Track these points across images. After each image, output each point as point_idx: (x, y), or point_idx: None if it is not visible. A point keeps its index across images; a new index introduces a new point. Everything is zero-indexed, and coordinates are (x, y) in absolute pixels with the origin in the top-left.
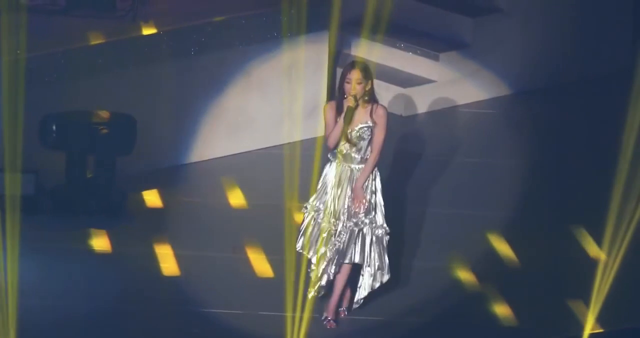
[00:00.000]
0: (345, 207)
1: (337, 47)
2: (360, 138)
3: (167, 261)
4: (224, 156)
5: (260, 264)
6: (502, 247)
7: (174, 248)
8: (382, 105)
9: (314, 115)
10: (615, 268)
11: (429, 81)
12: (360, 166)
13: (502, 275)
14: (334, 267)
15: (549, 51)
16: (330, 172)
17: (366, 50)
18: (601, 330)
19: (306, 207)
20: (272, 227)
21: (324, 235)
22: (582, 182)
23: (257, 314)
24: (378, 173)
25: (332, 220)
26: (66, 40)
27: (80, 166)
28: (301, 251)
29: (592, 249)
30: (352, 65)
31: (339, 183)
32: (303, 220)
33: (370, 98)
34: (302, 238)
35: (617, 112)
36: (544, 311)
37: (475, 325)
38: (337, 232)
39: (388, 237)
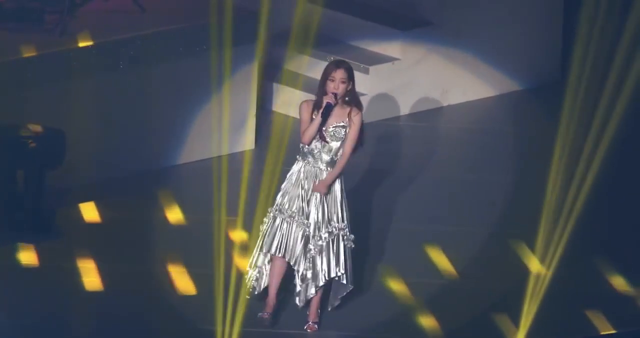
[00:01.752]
0: (319, 218)
1: (265, 60)
2: (334, 137)
3: (92, 276)
4: (154, 169)
5: (184, 279)
6: (440, 260)
7: (102, 262)
8: (358, 106)
9: (242, 128)
10: (547, 282)
11: (358, 94)
12: (326, 169)
13: (438, 288)
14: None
15: (480, 64)
16: (297, 171)
17: (295, 63)
18: None
19: (273, 212)
20: (202, 241)
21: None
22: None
23: (189, 328)
24: (342, 183)
25: (304, 220)
26: None
27: (9, 180)
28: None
29: (532, 263)
30: (338, 64)
31: (309, 188)
32: (267, 223)
33: (351, 100)
34: (266, 239)
35: (548, 123)
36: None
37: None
38: (312, 239)
39: (353, 245)
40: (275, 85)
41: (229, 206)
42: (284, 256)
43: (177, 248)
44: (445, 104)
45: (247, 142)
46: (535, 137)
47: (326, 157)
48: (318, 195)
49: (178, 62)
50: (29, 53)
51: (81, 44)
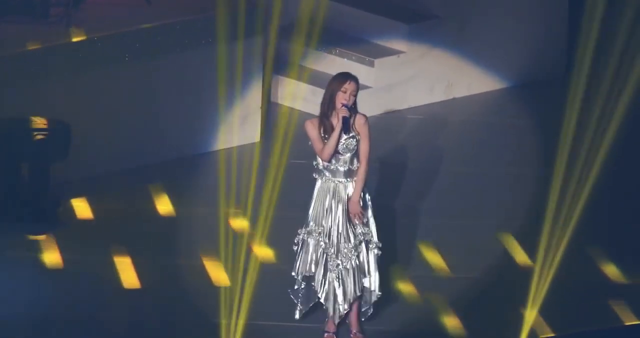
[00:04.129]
0: (342, 230)
1: (272, 53)
2: (347, 149)
3: (103, 268)
4: (160, 162)
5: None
6: (433, 256)
7: (111, 256)
8: (362, 114)
9: (248, 121)
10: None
11: (364, 87)
12: (345, 180)
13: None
14: (350, 290)
15: (484, 57)
16: (318, 190)
17: (301, 56)
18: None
19: (303, 233)
20: (208, 233)
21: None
22: (519, 188)
23: (191, 321)
24: (366, 189)
25: (328, 242)
26: (0, 47)
27: (14, 173)
28: (297, 277)
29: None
30: (349, 76)
31: (330, 204)
32: (299, 245)
33: (353, 111)
34: (300, 263)
35: (553, 117)
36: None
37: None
38: (338, 256)
39: (380, 252)
40: (280, 78)
41: (236, 198)
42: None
43: (183, 240)
44: (450, 97)
45: (254, 134)
46: (539, 130)
47: (342, 169)
48: (340, 209)
49: (183, 54)
50: (34, 46)
51: (86, 37)
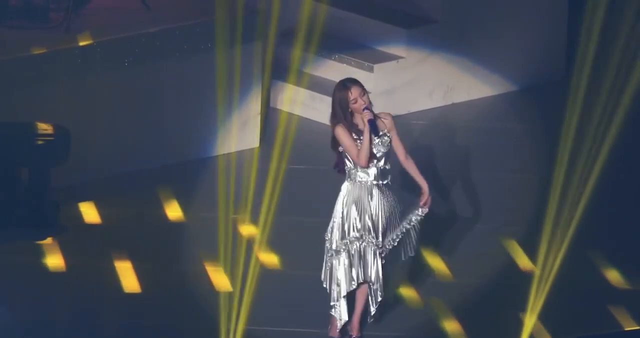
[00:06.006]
0: (383, 225)
1: (271, 58)
2: (383, 147)
3: (106, 274)
4: (159, 167)
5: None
6: (434, 261)
7: (112, 261)
8: (385, 112)
9: (248, 126)
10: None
11: None
12: (378, 182)
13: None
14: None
15: (484, 62)
16: (347, 194)
17: (301, 61)
18: None
19: (336, 241)
20: (207, 239)
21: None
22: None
23: (193, 326)
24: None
25: (373, 239)
26: (0, 52)
27: (14, 178)
28: (327, 286)
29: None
30: (346, 84)
31: (366, 206)
32: (330, 254)
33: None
34: (329, 271)
35: (552, 122)
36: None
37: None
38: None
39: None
40: (280, 83)
41: (235, 203)
42: (365, 281)
43: (182, 245)
44: (449, 102)
45: (253, 140)
46: (539, 135)
47: (374, 171)
48: (378, 208)
49: (183, 59)
50: (33, 51)
51: (86, 42)
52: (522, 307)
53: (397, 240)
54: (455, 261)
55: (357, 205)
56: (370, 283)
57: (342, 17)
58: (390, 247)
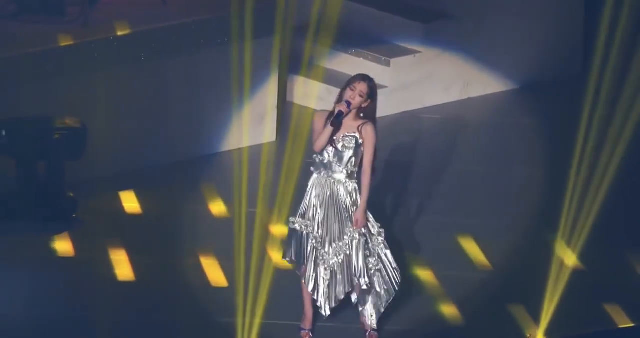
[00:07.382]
0: (334, 229)
1: (287, 52)
2: (344, 147)
3: (121, 267)
4: (175, 161)
5: (213, 271)
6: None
7: (128, 254)
8: (372, 122)
9: (263, 121)
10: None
11: (380, 87)
12: (342, 179)
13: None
14: (340, 287)
15: (500, 57)
16: (311, 185)
17: (317, 56)
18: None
19: (292, 222)
20: (222, 233)
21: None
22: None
23: (210, 320)
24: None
25: (319, 240)
26: (16, 46)
27: (31, 172)
28: (290, 262)
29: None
30: (364, 78)
31: (323, 200)
32: (289, 233)
33: (366, 116)
34: (290, 251)
35: (570, 116)
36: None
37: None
38: (329, 253)
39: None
40: (296, 77)
41: (250, 198)
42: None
43: (197, 239)
44: (466, 96)
45: (269, 134)
46: (556, 129)
47: (338, 168)
48: (335, 206)
49: (199, 54)
50: (50, 45)
51: (102, 36)
52: (539, 300)
53: (375, 279)
54: (474, 255)
55: (320, 197)
56: (355, 277)
57: (359, 11)
58: (367, 287)
